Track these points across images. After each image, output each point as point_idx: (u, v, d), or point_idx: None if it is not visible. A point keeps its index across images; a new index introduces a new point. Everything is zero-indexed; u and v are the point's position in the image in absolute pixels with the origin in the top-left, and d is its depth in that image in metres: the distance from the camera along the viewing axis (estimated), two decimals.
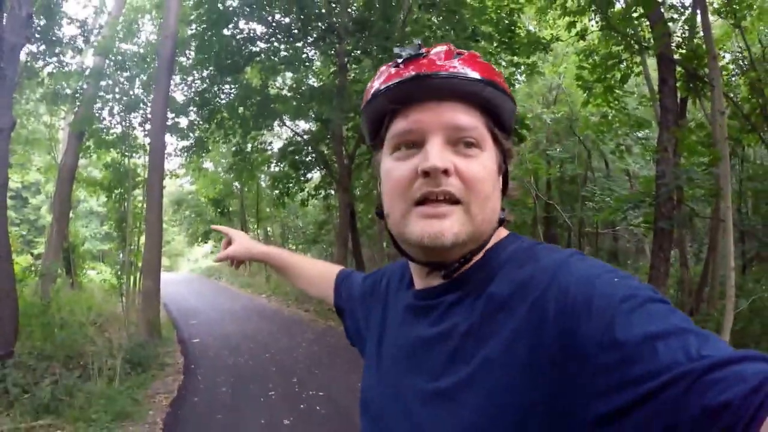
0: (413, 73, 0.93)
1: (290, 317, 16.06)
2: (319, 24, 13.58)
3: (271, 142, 20.52)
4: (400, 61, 0.96)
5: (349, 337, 1.47)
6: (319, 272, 1.66)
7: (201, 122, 16.15)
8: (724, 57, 11.48)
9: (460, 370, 0.88)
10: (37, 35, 12.77)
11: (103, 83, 15.36)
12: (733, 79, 11.62)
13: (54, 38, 13.65)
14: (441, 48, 0.97)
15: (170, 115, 14.46)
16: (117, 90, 15.28)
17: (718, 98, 7.78)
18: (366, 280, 1.40)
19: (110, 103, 15.52)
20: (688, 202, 10.15)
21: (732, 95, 10.38)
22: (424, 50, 0.96)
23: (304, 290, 1.72)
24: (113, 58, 14.93)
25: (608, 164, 17.29)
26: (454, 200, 0.91)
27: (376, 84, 0.99)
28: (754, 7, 10.47)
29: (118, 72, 15.07)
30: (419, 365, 0.98)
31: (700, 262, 12.23)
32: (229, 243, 1.82)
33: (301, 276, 1.70)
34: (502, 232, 1.02)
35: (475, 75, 0.93)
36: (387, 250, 19.98)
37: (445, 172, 0.90)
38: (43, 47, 13.73)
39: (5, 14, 7.31)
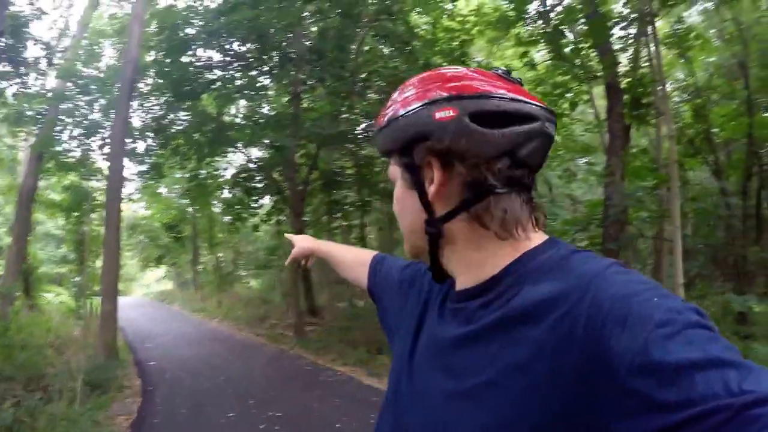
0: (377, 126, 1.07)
1: (243, 341, 16.10)
2: (275, 53, 13.71)
3: (225, 168, 20.51)
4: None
5: (380, 320, 1.47)
6: (354, 257, 1.74)
7: (157, 147, 16.10)
8: (668, 86, 11.99)
9: (483, 373, 0.88)
10: (2, 55, 12.78)
11: (63, 106, 15.35)
12: (677, 106, 12.12)
13: (20, 59, 13.60)
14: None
15: (128, 140, 14.45)
16: (77, 113, 15.28)
17: (667, 123, 8.14)
18: (406, 269, 1.41)
19: (70, 127, 15.57)
20: (633, 224, 10.52)
21: (675, 121, 10.82)
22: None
23: (345, 277, 1.79)
24: (75, 81, 14.87)
25: (551, 189, 17.72)
26: None
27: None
28: (698, 38, 10.98)
29: (79, 95, 15.03)
30: (445, 365, 0.99)
31: None
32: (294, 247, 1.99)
33: (340, 263, 1.80)
34: (538, 238, 0.99)
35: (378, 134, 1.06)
36: (335, 275, 20.13)
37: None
38: (7, 67, 13.68)
39: None
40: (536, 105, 0.95)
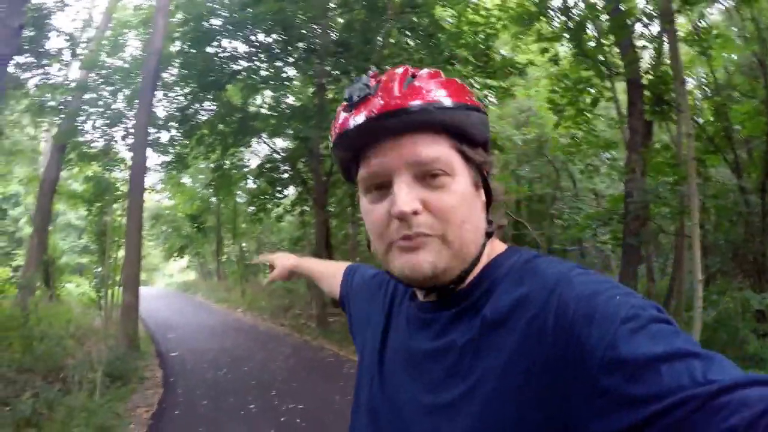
0: (363, 118, 0.93)
1: (266, 332, 16.10)
2: (300, 44, 13.78)
3: (249, 159, 20.64)
4: (349, 104, 0.97)
5: (349, 329, 1.46)
6: (330, 270, 1.77)
7: (181, 138, 16.24)
8: (689, 83, 11.98)
9: (459, 385, 0.89)
10: (25, 46, 12.78)
11: (87, 96, 15.46)
12: (698, 103, 12.14)
13: (42, 50, 13.65)
14: (394, 75, 0.96)
15: (152, 130, 14.54)
16: (100, 104, 15.38)
17: (686, 121, 8.14)
18: (374, 278, 1.39)
19: (93, 117, 15.61)
20: (654, 220, 10.56)
21: (696, 119, 10.84)
22: (372, 83, 0.96)
23: (324, 290, 1.83)
24: (98, 72, 15.00)
25: (576, 184, 17.70)
26: (429, 234, 0.91)
27: (335, 130, 1.00)
28: (719, 36, 10.99)
29: (103, 86, 15.16)
30: (419, 378, 0.98)
31: (665, 276, 12.62)
32: (273, 267, 2.01)
33: (319, 278, 1.84)
34: (499, 247, 1.03)
35: (427, 102, 0.92)
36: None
37: (415, 212, 0.90)
38: (30, 59, 13.74)
39: None
40: None
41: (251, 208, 19.92)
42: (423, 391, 0.96)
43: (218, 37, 13.75)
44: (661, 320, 0.74)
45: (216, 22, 13.50)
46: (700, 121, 11.43)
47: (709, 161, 11.30)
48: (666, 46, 10.61)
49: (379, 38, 13.30)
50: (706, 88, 12.34)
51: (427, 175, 0.92)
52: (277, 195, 17.80)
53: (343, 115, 0.97)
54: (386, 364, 1.11)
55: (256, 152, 21.04)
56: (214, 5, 13.51)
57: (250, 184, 20.15)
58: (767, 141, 10.08)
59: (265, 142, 16.96)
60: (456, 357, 0.92)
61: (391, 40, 13.56)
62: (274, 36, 13.76)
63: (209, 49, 13.73)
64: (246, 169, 19.74)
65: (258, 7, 12.26)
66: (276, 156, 17.01)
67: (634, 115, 10.24)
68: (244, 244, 30.16)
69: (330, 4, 13.70)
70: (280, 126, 14.45)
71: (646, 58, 11.55)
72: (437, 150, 0.92)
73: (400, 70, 0.97)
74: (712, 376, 0.64)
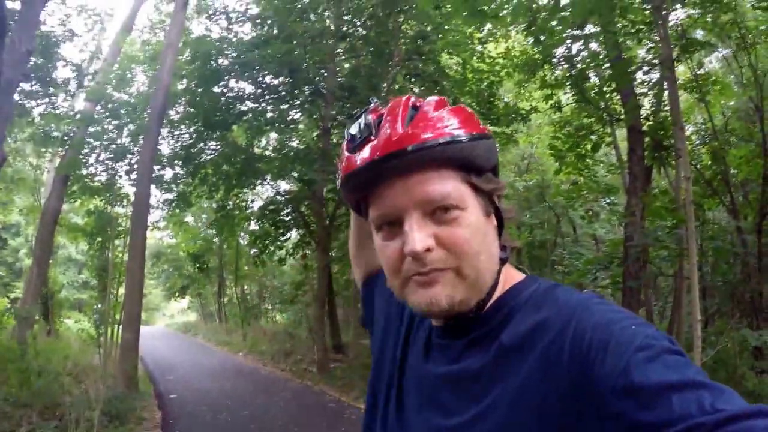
0: (368, 161, 0.92)
1: (267, 375, 15.96)
2: (307, 88, 13.94)
3: (252, 201, 20.73)
4: (353, 145, 0.96)
5: (367, 321, 1.44)
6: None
7: (185, 176, 16.31)
8: (688, 128, 12.18)
9: (471, 409, 0.90)
10: (32, 74, 12.86)
11: (92, 129, 15.50)
12: (696, 148, 12.34)
13: (49, 79, 13.73)
14: (397, 109, 0.94)
15: (156, 167, 14.60)
16: (105, 137, 15.46)
17: (684, 165, 8.24)
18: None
19: (97, 150, 15.68)
20: (653, 263, 10.62)
21: (694, 163, 11.02)
22: (373, 119, 0.95)
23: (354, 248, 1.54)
24: (104, 104, 15.16)
25: (576, 229, 17.79)
26: (444, 269, 0.92)
27: (341, 171, 0.99)
28: (717, 83, 11.26)
29: (108, 119, 15.28)
30: (432, 402, 0.99)
31: (664, 319, 12.60)
32: None
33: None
34: (517, 275, 1.03)
35: (433, 139, 0.90)
36: (360, 312, 20.08)
37: (428, 250, 0.90)
38: (37, 87, 13.81)
39: (5, 49, 7.17)
40: None
41: (254, 250, 19.92)
42: (436, 416, 0.97)
43: (226, 77, 13.91)
44: (673, 351, 0.75)
45: (224, 61, 13.70)
46: (698, 165, 11.59)
47: (707, 204, 11.46)
48: (665, 93, 10.80)
49: (384, 84, 13.51)
50: (704, 134, 12.55)
51: (438, 210, 0.91)
52: (280, 238, 17.80)
53: (346, 155, 0.97)
54: (404, 387, 1.11)
55: (260, 194, 21.13)
56: (223, 45, 13.72)
57: (253, 225, 20.13)
58: (763, 183, 10.23)
59: (269, 184, 17.03)
60: (470, 382, 0.93)
61: (396, 86, 13.76)
62: (281, 78, 13.88)
63: (216, 89, 13.88)
64: (249, 211, 19.78)
65: (266, 48, 12.47)
66: (279, 198, 17.05)
67: (634, 161, 10.36)
68: (246, 287, 29.93)
69: (337, 49, 13.95)
70: (284, 168, 14.55)
71: (646, 105, 11.73)
72: (447, 186, 0.91)
73: (402, 100, 0.96)
74: (720, 406, 0.65)
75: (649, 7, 8.70)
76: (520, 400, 0.83)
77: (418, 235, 0.89)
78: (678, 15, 9.80)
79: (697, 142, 12.55)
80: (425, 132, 0.90)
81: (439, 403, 0.98)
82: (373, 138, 0.93)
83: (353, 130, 0.97)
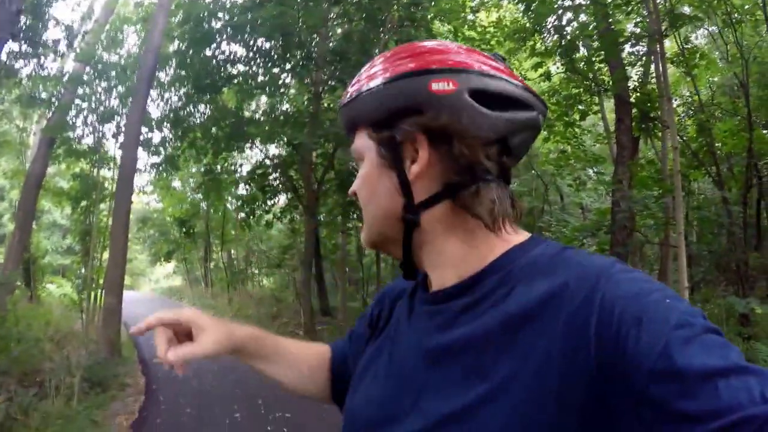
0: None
1: None
2: (299, 51, 13.91)
3: (241, 165, 20.70)
4: None
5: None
6: (302, 350, 1.44)
7: (173, 139, 16.23)
8: (675, 101, 12.43)
9: (478, 386, 0.79)
10: (21, 34, 12.58)
11: (80, 91, 15.32)
12: (682, 120, 12.62)
13: (38, 39, 13.47)
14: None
15: (144, 129, 14.47)
16: (93, 99, 15.30)
17: (672, 135, 8.44)
18: (358, 328, 1.29)
19: (85, 112, 15.51)
20: (639, 231, 10.87)
21: (681, 135, 11.26)
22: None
23: (281, 379, 1.40)
24: (94, 66, 14.95)
25: (563, 198, 18.01)
26: None
27: None
28: (703, 57, 11.50)
29: (97, 81, 15.10)
30: (427, 380, 0.88)
31: None
32: (187, 334, 1.21)
33: (282, 358, 1.37)
34: (522, 234, 0.95)
35: (340, 108, 1.01)
36: (349, 275, 20.25)
37: (354, 194, 1.00)
38: (25, 47, 13.54)
39: None
40: (533, 94, 0.93)
41: (241, 215, 19.88)
42: (434, 397, 0.85)
43: (217, 40, 13.85)
44: (712, 330, 0.69)
45: (216, 24, 13.63)
46: (685, 137, 11.85)
47: (693, 175, 11.77)
48: (653, 66, 10.99)
49: (376, 49, 13.52)
50: (691, 106, 12.82)
51: (358, 163, 0.99)
52: (267, 202, 17.84)
53: None
54: (381, 367, 1.02)
55: (248, 158, 21.08)
56: (216, 7, 13.67)
57: (241, 190, 20.11)
58: (748, 157, 10.51)
59: (258, 148, 17.04)
60: (473, 354, 0.82)
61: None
62: (272, 42, 13.85)
63: (207, 51, 13.84)
64: (237, 175, 19.76)
65: (259, 11, 12.42)
66: (267, 162, 17.06)
67: (622, 130, 10.50)
68: (232, 251, 29.95)
69: (330, 14, 13.93)
70: (273, 132, 14.48)
71: (634, 77, 11.92)
72: (355, 141, 0.98)
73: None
74: None
75: None
76: (538, 379, 0.74)
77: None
78: None
79: (683, 114, 12.82)
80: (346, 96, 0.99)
81: (434, 381, 0.86)
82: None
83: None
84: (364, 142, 0.96)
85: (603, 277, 0.76)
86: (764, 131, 12.23)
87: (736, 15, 10.77)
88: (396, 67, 0.90)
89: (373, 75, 0.93)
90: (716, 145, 11.55)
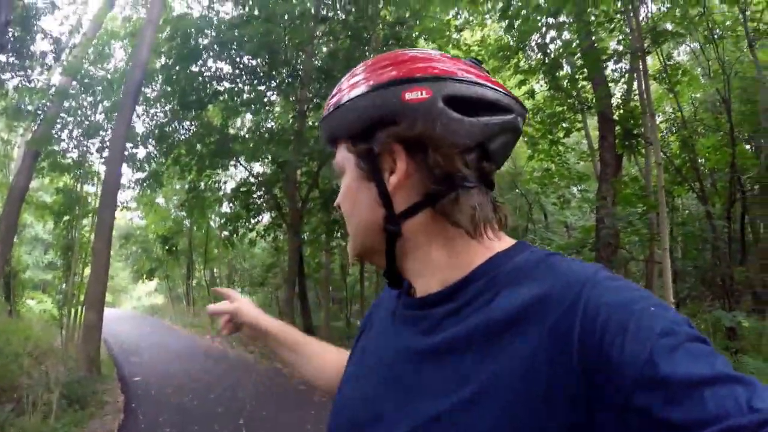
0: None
1: (235, 358, 15.57)
2: (284, 69, 13.96)
3: (225, 182, 20.66)
4: None
5: None
6: (323, 349, 1.50)
7: (158, 156, 16.17)
8: (657, 117, 12.58)
9: (465, 388, 0.78)
10: (9, 45, 12.49)
11: (66, 104, 15.23)
12: (665, 136, 12.78)
13: (26, 51, 13.42)
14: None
15: (128, 145, 14.39)
16: (79, 113, 15.20)
17: (656, 152, 8.53)
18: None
19: (70, 126, 15.40)
20: (624, 248, 10.94)
21: (664, 151, 11.39)
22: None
23: (308, 376, 1.48)
24: (81, 80, 14.85)
25: (547, 216, 18.11)
26: None
27: None
28: (686, 73, 11.68)
29: (83, 95, 15.02)
30: (413, 382, 0.87)
31: None
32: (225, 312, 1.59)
33: (304, 353, 1.49)
34: (506, 240, 0.94)
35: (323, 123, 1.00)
36: (332, 294, 20.21)
37: (338, 207, 1.01)
38: (12, 59, 13.47)
39: None
40: (511, 96, 0.93)
41: (225, 233, 19.81)
42: (417, 400, 0.84)
43: (204, 56, 13.88)
44: (698, 338, 0.69)
45: (203, 40, 13.67)
46: (668, 153, 12.00)
47: (676, 191, 11.91)
48: (636, 83, 11.13)
49: None
50: (674, 123, 12.99)
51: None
52: (251, 219, 17.73)
53: None
54: (362, 369, 1.04)
55: (233, 176, 21.04)
56: (203, 24, 13.68)
57: (225, 207, 20.03)
58: (731, 172, 10.65)
59: (242, 165, 16.99)
60: (453, 358, 0.82)
61: None
62: (259, 59, 13.88)
63: (194, 68, 13.86)
64: (221, 192, 19.72)
65: (246, 28, 12.46)
66: (252, 180, 17.01)
67: (605, 148, 10.60)
68: (215, 270, 29.80)
69: (316, 31, 13.99)
70: (258, 150, 14.47)
71: (617, 94, 12.06)
72: (337, 156, 0.98)
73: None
74: (758, 404, 0.61)
75: None
76: (525, 382, 0.73)
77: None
78: (649, 9, 10.11)
79: (666, 131, 12.98)
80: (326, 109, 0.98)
81: (416, 385, 0.86)
82: None
83: None
84: (344, 155, 0.96)
85: (588, 284, 0.75)
86: (747, 146, 12.43)
87: (717, 31, 10.95)
88: (374, 78, 0.91)
89: (353, 85, 0.93)
90: (699, 160, 11.71)
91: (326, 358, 1.43)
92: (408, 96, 0.86)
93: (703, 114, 13.22)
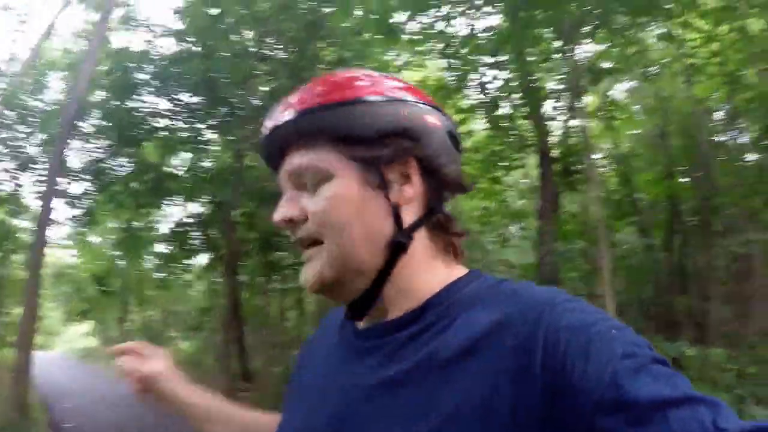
0: (263, 135, 0.97)
1: None
2: (223, 108, 13.83)
3: (159, 222, 20.24)
4: None
5: None
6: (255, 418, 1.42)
7: (93, 192, 15.60)
8: (597, 153, 12.89)
9: (430, 416, 0.76)
10: None
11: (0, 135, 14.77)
12: (605, 172, 13.07)
13: None
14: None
15: (63, 180, 14.00)
16: (13, 144, 14.79)
17: (595, 186, 8.68)
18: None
19: (4, 158, 14.92)
20: (566, 283, 11.03)
21: (603, 186, 11.63)
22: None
23: None
24: (16, 110, 14.53)
25: (486, 255, 18.24)
26: (317, 242, 0.89)
27: None
28: (623, 111, 12.00)
29: (18, 126, 14.67)
30: (370, 414, 0.83)
31: None
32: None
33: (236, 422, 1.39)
34: (461, 270, 0.94)
35: (294, 113, 0.90)
36: (271, 338, 19.80)
37: (290, 221, 0.91)
38: None
39: None
40: None
41: (160, 274, 19.41)
42: (379, 426, 0.81)
43: (142, 91, 13.69)
44: (659, 360, 0.69)
45: (142, 75, 13.47)
46: (607, 188, 12.24)
47: (616, 226, 12.12)
48: (574, 121, 11.34)
49: None
50: (612, 159, 13.28)
51: (307, 185, 0.90)
52: (187, 261, 17.39)
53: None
54: (303, 401, 1.01)
55: (168, 216, 20.65)
56: (143, 58, 13.50)
57: (160, 248, 19.59)
58: (670, 205, 10.90)
59: (178, 205, 16.70)
60: (416, 387, 0.79)
61: None
62: (197, 97, 13.78)
63: (131, 103, 13.64)
64: (156, 232, 19.29)
65: (187, 64, 12.39)
66: (188, 220, 16.71)
67: (545, 185, 10.77)
68: (150, 312, 29.06)
69: (256, 70, 13.93)
70: (196, 189, 14.29)
71: (556, 132, 12.27)
72: (309, 157, 0.89)
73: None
74: (722, 425, 0.61)
75: (560, 39, 9.18)
76: (488, 409, 0.72)
77: (283, 206, 0.92)
78: (587, 48, 10.34)
79: (606, 167, 13.25)
80: (290, 108, 0.91)
81: (374, 419, 0.82)
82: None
83: None
84: (331, 158, 0.89)
85: (548, 308, 0.75)
86: (684, 179, 12.75)
87: (653, 69, 11.23)
88: (390, 92, 0.91)
89: (361, 88, 0.91)
90: (638, 195, 11.97)
91: (266, 421, 1.33)
92: (430, 120, 0.90)
93: (641, 149, 13.56)
